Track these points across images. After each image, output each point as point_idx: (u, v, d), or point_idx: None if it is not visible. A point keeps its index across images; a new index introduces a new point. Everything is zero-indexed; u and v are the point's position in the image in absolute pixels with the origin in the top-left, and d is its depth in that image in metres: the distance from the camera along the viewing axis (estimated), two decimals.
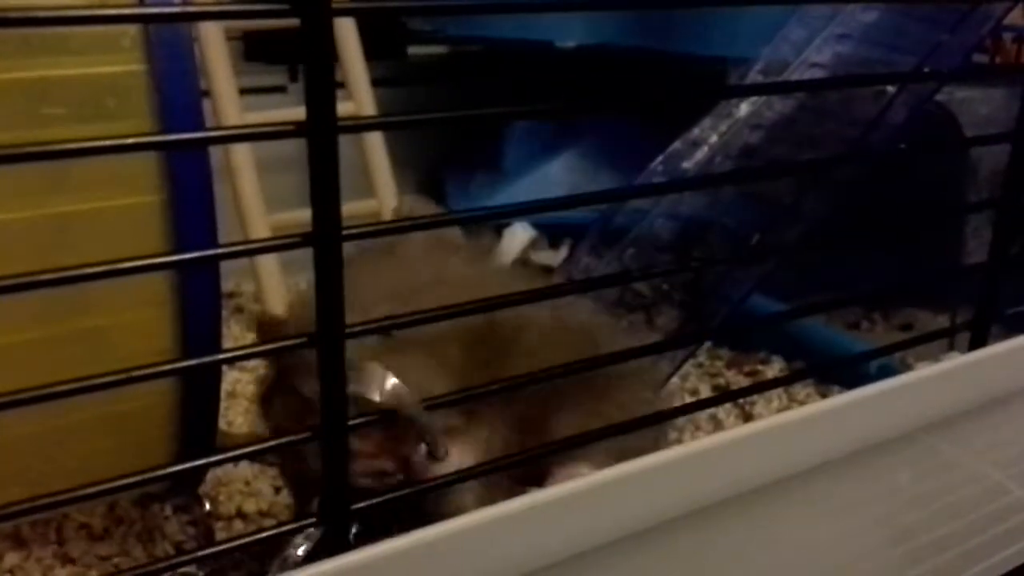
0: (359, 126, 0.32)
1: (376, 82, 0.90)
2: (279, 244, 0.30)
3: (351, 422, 0.32)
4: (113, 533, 0.56)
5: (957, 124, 0.79)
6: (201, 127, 0.44)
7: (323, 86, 0.27)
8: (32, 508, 0.28)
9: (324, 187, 0.28)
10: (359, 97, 0.88)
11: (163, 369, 0.30)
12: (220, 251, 0.30)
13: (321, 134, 0.27)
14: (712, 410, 0.71)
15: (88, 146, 0.24)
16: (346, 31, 0.88)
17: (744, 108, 0.78)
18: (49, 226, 0.41)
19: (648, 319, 0.72)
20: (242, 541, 0.33)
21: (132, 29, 0.42)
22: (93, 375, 0.28)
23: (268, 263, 0.81)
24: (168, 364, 0.29)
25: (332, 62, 0.27)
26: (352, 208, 0.83)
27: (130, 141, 0.25)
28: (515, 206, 0.37)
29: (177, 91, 0.42)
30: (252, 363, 0.78)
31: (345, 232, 0.29)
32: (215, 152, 0.58)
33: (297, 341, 0.31)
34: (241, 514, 0.59)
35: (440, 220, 0.35)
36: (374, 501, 0.34)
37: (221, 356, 0.33)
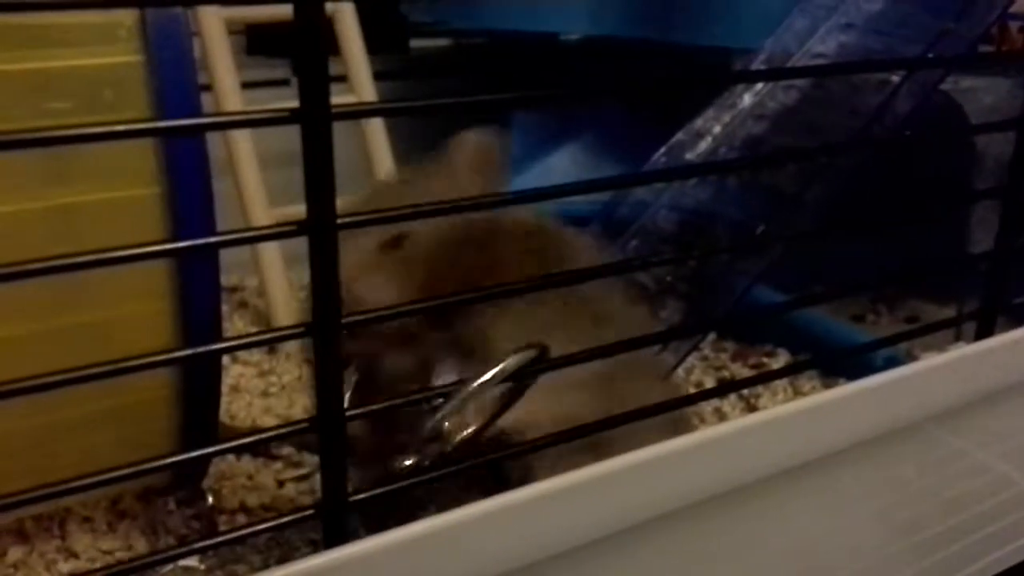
0: (352, 112, 0.31)
1: (379, 75, 0.89)
2: (273, 233, 0.29)
3: (349, 413, 0.32)
4: (116, 527, 0.56)
5: (962, 113, 0.78)
6: (198, 117, 0.43)
7: (316, 72, 0.27)
8: (31, 499, 0.28)
9: (318, 175, 0.28)
10: (361, 90, 0.88)
11: (160, 359, 0.29)
12: (215, 239, 0.29)
13: (314, 121, 0.27)
14: (717, 403, 0.70)
15: (78, 133, 0.24)
16: (347, 23, 0.88)
17: (747, 99, 0.78)
18: (46, 219, 0.41)
19: (652, 312, 0.72)
20: (241, 533, 0.33)
21: (128, 19, 0.41)
22: (89, 364, 0.27)
23: (270, 256, 0.81)
24: (164, 354, 0.29)
25: (326, 47, 0.27)
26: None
27: (120, 128, 0.25)
28: (517, 194, 0.37)
29: (174, 81, 0.41)
30: (255, 357, 0.78)
31: (340, 221, 0.29)
32: (216, 147, 0.58)
33: (294, 332, 0.31)
34: (244, 508, 0.58)
35: (443, 208, 0.35)
36: (373, 492, 0.34)
37: (218, 346, 0.33)
